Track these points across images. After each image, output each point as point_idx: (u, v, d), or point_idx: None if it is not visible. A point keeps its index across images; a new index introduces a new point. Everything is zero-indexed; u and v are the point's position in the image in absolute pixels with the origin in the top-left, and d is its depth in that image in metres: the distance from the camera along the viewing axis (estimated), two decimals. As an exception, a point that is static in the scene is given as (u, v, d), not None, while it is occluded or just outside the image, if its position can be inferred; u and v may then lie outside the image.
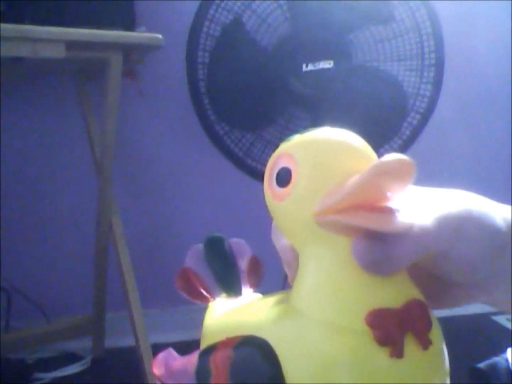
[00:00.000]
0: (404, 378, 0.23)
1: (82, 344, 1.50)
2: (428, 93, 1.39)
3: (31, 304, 1.47)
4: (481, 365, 1.21)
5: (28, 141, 1.52)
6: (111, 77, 1.18)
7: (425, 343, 0.24)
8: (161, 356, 0.30)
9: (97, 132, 1.36)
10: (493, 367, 1.20)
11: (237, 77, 1.31)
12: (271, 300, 0.28)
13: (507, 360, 1.21)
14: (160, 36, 1.16)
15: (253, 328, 0.27)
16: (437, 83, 1.38)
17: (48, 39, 1.05)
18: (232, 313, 0.32)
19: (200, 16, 1.34)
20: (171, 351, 0.30)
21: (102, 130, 1.28)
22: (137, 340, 1.30)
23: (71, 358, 1.48)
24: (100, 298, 1.45)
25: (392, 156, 0.22)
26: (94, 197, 1.38)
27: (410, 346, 0.23)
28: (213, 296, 0.35)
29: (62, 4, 1.20)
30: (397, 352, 0.23)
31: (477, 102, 1.80)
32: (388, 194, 0.24)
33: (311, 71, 1.29)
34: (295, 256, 0.27)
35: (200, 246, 0.38)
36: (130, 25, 1.27)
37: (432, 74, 1.38)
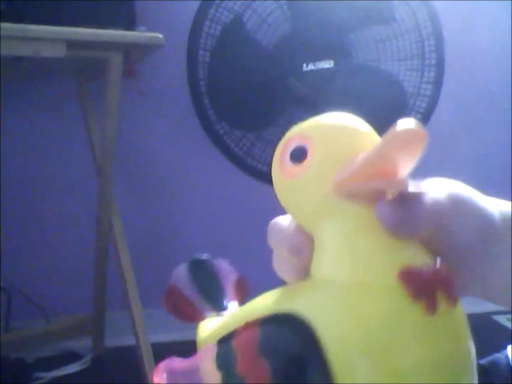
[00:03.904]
0: (438, 333, 0.23)
1: (82, 344, 1.50)
2: (428, 93, 1.39)
3: (31, 304, 1.47)
4: (482, 361, 1.21)
5: (28, 141, 1.52)
6: (111, 77, 1.18)
7: (454, 300, 0.24)
8: (161, 364, 0.29)
9: (97, 132, 1.36)
10: (494, 364, 1.20)
11: (238, 77, 1.31)
12: (279, 290, 0.28)
13: (507, 357, 1.22)
14: (160, 35, 1.16)
15: (274, 308, 0.26)
16: (438, 83, 1.38)
17: (49, 38, 1.05)
18: (234, 312, 0.31)
19: (200, 16, 1.34)
20: (173, 358, 0.29)
21: (102, 130, 1.28)
22: (137, 340, 1.30)
23: (71, 357, 1.48)
24: (100, 298, 1.45)
25: (405, 125, 0.22)
26: (94, 197, 1.38)
27: (440, 303, 0.24)
28: (203, 315, 0.35)
29: (63, 3, 1.19)
30: (431, 307, 0.23)
31: (477, 102, 1.80)
32: (402, 165, 0.24)
33: (311, 70, 1.29)
34: (308, 239, 0.27)
35: (185, 266, 0.38)
36: (130, 25, 1.27)
37: (432, 74, 1.37)
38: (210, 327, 0.32)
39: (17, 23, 1.04)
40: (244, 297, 0.36)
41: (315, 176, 0.26)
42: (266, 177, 1.46)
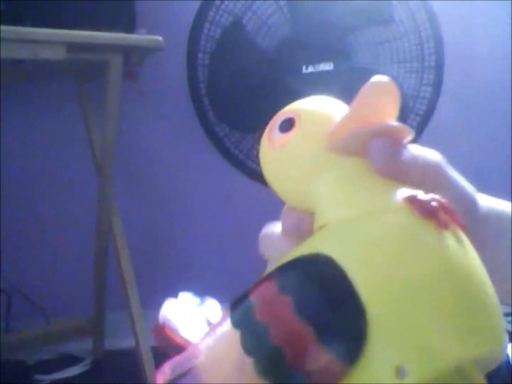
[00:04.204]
0: (454, 249, 0.23)
1: (82, 346, 1.50)
2: (428, 95, 1.39)
3: (31, 305, 1.47)
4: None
5: (28, 142, 1.52)
6: (111, 79, 1.18)
7: (462, 224, 0.24)
8: (166, 364, 0.28)
9: (97, 132, 1.36)
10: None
11: (237, 79, 1.31)
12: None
13: (507, 356, 1.22)
14: (160, 38, 1.16)
15: (287, 258, 0.25)
16: (437, 85, 1.38)
17: (49, 40, 1.05)
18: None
19: (200, 18, 1.34)
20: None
21: (102, 131, 1.28)
22: (137, 342, 1.30)
23: (71, 359, 1.48)
24: (100, 298, 1.45)
25: (378, 78, 0.25)
26: (94, 197, 1.38)
27: (449, 224, 0.24)
28: (196, 348, 0.34)
29: (63, 5, 1.20)
30: (443, 223, 0.23)
31: (477, 103, 1.80)
32: (386, 116, 0.26)
33: (311, 73, 1.29)
34: (304, 215, 0.27)
35: (173, 301, 0.37)
36: (130, 27, 1.28)
37: (432, 76, 1.38)
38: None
39: (17, 26, 1.04)
40: None
41: (305, 138, 0.27)
42: (265, 179, 1.46)
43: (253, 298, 0.24)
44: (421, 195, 0.24)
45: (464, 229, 0.25)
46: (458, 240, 0.24)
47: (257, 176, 1.42)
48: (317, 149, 0.26)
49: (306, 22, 1.30)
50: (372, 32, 1.36)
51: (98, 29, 1.12)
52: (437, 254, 0.23)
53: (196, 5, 1.35)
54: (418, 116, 1.40)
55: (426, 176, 0.27)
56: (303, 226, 0.27)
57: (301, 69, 1.29)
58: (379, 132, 0.25)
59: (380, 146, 0.25)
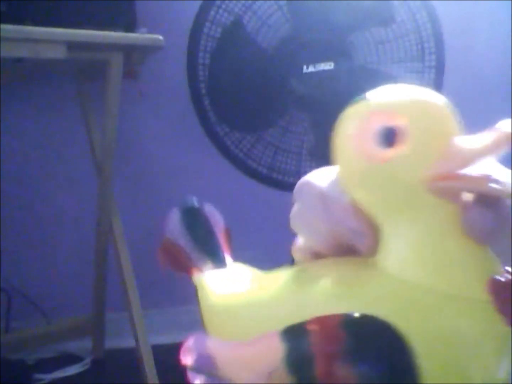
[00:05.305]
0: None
1: (82, 345, 1.50)
2: (428, 95, 1.39)
3: (31, 305, 1.47)
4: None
5: (28, 141, 1.52)
6: (111, 78, 1.18)
7: None
8: (192, 342, 0.27)
9: (97, 132, 1.36)
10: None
11: (238, 79, 1.31)
12: (328, 272, 0.26)
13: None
14: (161, 37, 1.16)
15: (348, 304, 0.24)
16: (438, 85, 1.38)
17: (49, 39, 1.05)
18: (273, 292, 0.28)
19: (200, 17, 1.34)
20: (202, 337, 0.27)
21: (103, 131, 1.28)
22: (137, 341, 1.30)
23: (71, 359, 1.48)
24: (100, 298, 1.45)
25: (508, 127, 0.23)
26: (94, 197, 1.38)
27: None
28: (199, 267, 0.33)
29: (63, 4, 1.20)
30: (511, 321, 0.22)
31: (477, 103, 1.80)
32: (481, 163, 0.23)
33: (311, 72, 1.29)
34: (369, 223, 0.26)
35: (177, 215, 0.36)
36: (131, 26, 1.27)
37: (432, 75, 1.38)
38: (226, 291, 0.30)
39: (17, 25, 1.04)
40: (230, 247, 0.35)
41: (407, 163, 0.24)
42: (266, 179, 1.46)
43: (315, 350, 0.23)
44: (501, 282, 0.22)
45: None
46: None
47: (258, 176, 1.42)
48: (417, 179, 0.24)
49: (307, 22, 1.30)
50: (372, 31, 1.36)
51: (98, 28, 1.12)
52: (502, 357, 0.22)
53: (196, 5, 1.35)
54: (419, 116, 1.39)
55: None
56: (369, 237, 0.26)
57: (302, 68, 1.29)
58: (482, 191, 0.23)
59: (475, 219, 0.24)
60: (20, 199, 1.53)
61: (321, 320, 0.24)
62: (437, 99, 0.26)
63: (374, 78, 1.32)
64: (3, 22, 1.02)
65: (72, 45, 1.07)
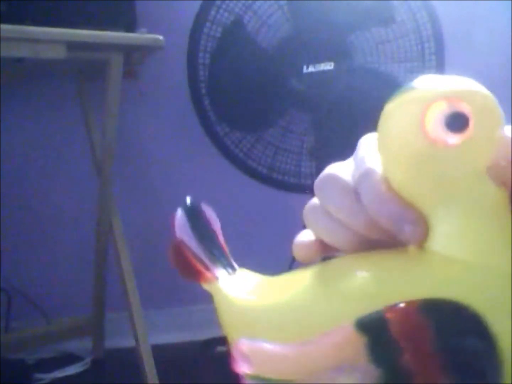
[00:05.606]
0: None
1: (82, 345, 1.50)
2: (428, 95, 1.39)
3: (31, 305, 1.47)
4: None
5: (28, 141, 1.52)
6: (111, 78, 1.18)
7: None
8: (246, 347, 0.25)
9: (98, 132, 1.36)
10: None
11: (238, 78, 1.31)
12: (393, 263, 0.25)
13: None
14: (161, 37, 1.16)
15: (422, 290, 0.23)
16: (438, 85, 1.38)
17: (49, 39, 1.05)
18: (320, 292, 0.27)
19: (201, 17, 1.34)
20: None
21: (103, 131, 1.28)
22: (137, 341, 1.30)
23: (71, 358, 1.48)
24: (100, 298, 1.45)
25: None
26: (94, 197, 1.38)
27: None
28: (213, 273, 0.32)
29: (63, 5, 1.20)
30: None
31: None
32: None
33: (312, 72, 1.29)
34: (417, 211, 0.25)
35: (183, 216, 0.34)
36: (131, 26, 1.27)
37: (432, 75, 1.38)
38: (252, 297, 0.29)
39: (18, 25, 1.04)
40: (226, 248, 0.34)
41: (473, 150, 0.24)
42: (266, 179, 1.46)
43: (399, 339, 0.23)
44: None
45: None
46: None
47: (257, 175, 1.42)
48: (479, 166, 0.24)
49: (307, 22, 1.30)
50: (373, 31, 1.36)
51: (98, 28, 1.12)
52: None
53: (197, 5, 1.35)
54: (419, 116, 1.39)
55: None
56: (421, 225, 0.25)
57: (302, 68, 1.29)
58: None
59: None
60: (20, 199, 1.53)
61: (398, 307, 0.23)
62: (486, 89, 0.26)
63: (374, 78, 1.32)
64: (3, 22, 1.02)
65: (72, 45, 1.07)
